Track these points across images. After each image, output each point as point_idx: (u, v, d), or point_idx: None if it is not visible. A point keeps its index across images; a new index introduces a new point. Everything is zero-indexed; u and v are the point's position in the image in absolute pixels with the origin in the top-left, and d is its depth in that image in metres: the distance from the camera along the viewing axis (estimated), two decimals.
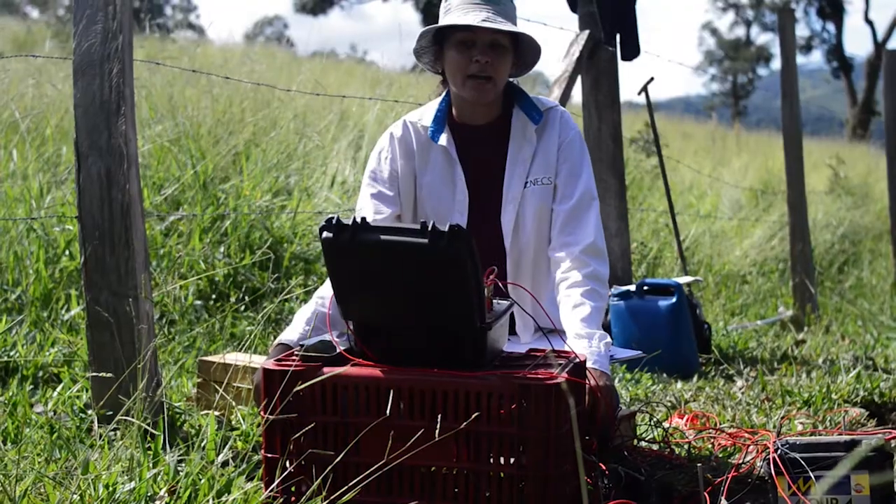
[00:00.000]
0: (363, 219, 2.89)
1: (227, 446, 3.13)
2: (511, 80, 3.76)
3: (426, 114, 3.76)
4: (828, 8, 45.83)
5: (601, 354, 3.30)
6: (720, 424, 4.23)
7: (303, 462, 2.91)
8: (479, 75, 3.56)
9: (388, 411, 2.86)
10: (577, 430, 2.42)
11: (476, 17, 3.51)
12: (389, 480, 2.90)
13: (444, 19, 3.60)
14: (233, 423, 3.71)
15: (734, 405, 4.69)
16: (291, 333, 3.36)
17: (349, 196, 7.39)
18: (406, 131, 3.74)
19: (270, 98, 8.49)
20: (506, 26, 3.52)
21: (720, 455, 3.69)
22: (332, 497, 2.84)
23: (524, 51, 3.69)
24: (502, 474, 2.86)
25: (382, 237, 2.87)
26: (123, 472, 2.97)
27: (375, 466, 2.84)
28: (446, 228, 2.81)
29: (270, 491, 2.90)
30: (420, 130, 3.73)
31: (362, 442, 2.89)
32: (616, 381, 5.08)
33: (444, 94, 3.77)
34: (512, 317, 3.65)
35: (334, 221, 2.88)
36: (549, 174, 3.67)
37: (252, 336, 4.70)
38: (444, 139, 3.67)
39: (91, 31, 3.71)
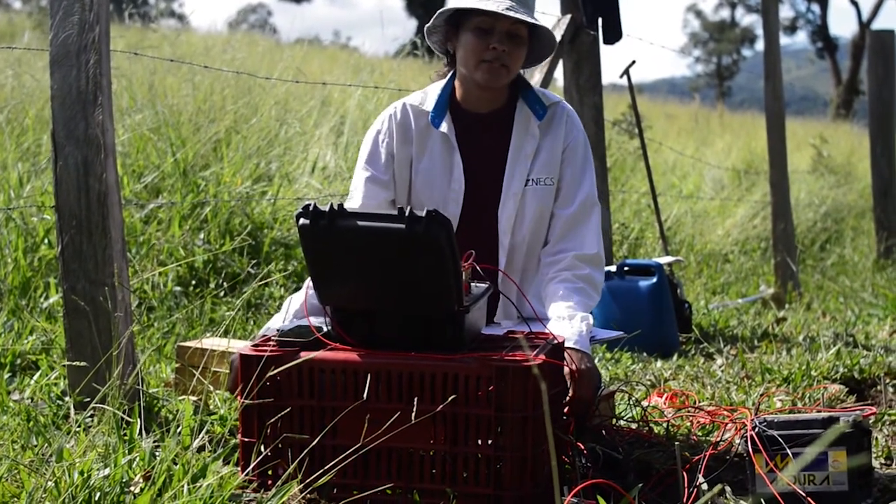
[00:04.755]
0: (340, 205, 2.89)
1: (204, 431, 3.13)
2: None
3: (428, 98, 3.69)
4: None
5: (582, 335, 3.29)
6: (699, 403, 4.25)
7: (279, 445, 2.92)
8: (495, 61, 3.53)
9: (365, 394, 2.87)
10: (552, 411, 2.42)
11: (499, 5, 3.46)
12: (366, 463, 2.90)
13: (467, 2, 3.53)
14: (210, 407, 3.72)
15: (714, 383, 4.70)
16: (279, 320, 3.38)
17: (330, 182, 7.37)
18: (406, 115, 3.67)
19: (252, 85, 8.47)
20: (528, 17, 3.48)
21: (698, 433, 3.70)
22: (307, 480, 2.85)
23: (538, 44, 3.65)
24: (479, 455, 2.87)
25: (359, 223, 2.88)
26: (99, 458, 2.97)
27: (352, 449, 2.85)
28: (423, 213, 2.81)
29: (246, 475, 2.91)
30: (421, 114, 3.66)
31: (339, 425, 2.90)
32: (596, 360, 5.09)
33: (448, 76, 3.72)
34: (492, 307, 3.64)
35: (311, 208, 2.89)
36: (552, 175, 3.62)
37: (231, 321, 4.70)
38: (444, 126, 3.61)
39: (68, 22, 3.70)
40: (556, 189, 3.63)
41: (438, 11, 3.56)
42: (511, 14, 3.44)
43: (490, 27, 3.50)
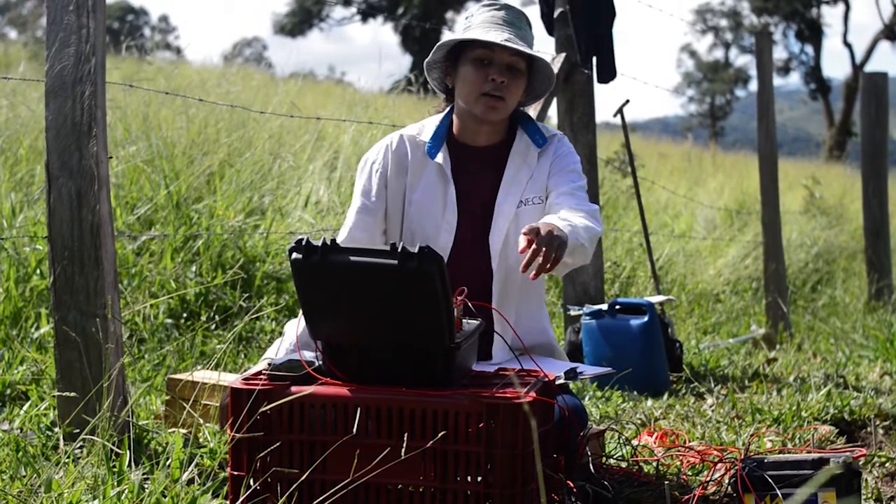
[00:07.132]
0: (332, 240, 2.90)
1: (194, 464, 3.12)
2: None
3: (426, 129, 3.70)
4: (806, 31, 46.15)
5: (573, 225, 3.24)
6: (689, 442, 4.24)
7: (269, 479, 2.91)
8: (493, 94, 3.54)
9: (355, 430, 2.86)
10: (542, 449, 2.42)
11: (498, 36, 3.50)
12: (356, 498, 2.90)
13: (465, 35, 3.57)
14: (200, 440, 3.71)
15: (704, 423, 4.69)
16: (282, 347, 3.38)
17: (323, 216, 7.38)
18: (402, 145, 3.68)
19: (246, 118, 8.48)
20: (526, 49, 3.52)
21: (688, 473, 3.69)
22: None
23: (537, 78, 3.68)
24: (469, 492, 2.86)
25: (352, 258, 2.88)
26: (87, 490, 2.96)
27: (342, 484, 2.84)
28: (416, 249, 2.82)
29: None
30: (418, 145, 3.67)
31: (329, 460, 2.89)
32: (586, 398, 5.09)
33: (446, 110, 3.73)
34: (488, 340, 3.63)
35: (304, 243, 2.89)
36: (540, 193, 3.62)
37: (222, 354, 4.69)
38: (440, 157, 3.62)
39: (64, 53, 3.72)
40: (546, 195, 3.62)
41: (437, 45, 3.59)
42: (510, 45, 3.48)
43: (489, 59, 3.53)
